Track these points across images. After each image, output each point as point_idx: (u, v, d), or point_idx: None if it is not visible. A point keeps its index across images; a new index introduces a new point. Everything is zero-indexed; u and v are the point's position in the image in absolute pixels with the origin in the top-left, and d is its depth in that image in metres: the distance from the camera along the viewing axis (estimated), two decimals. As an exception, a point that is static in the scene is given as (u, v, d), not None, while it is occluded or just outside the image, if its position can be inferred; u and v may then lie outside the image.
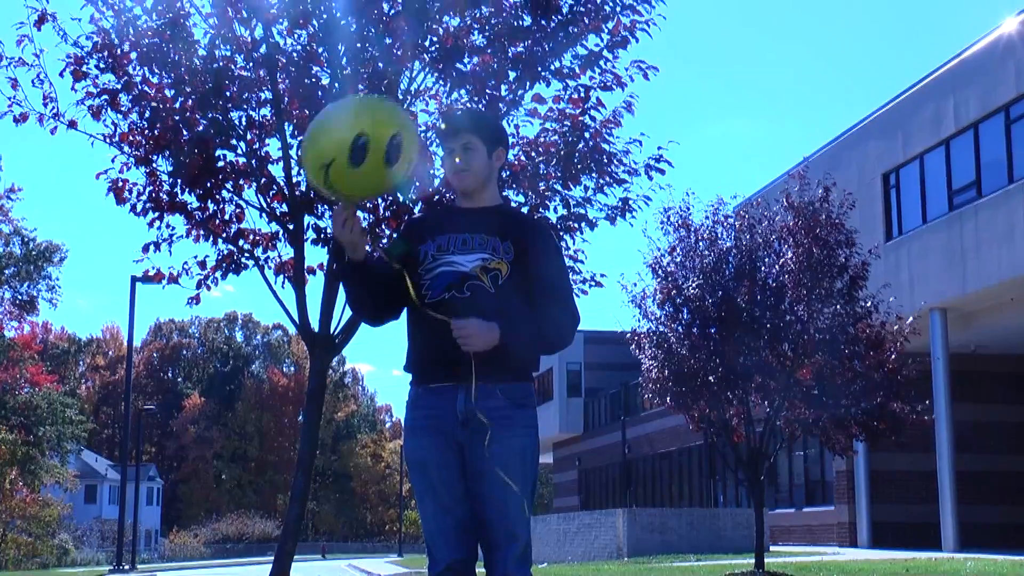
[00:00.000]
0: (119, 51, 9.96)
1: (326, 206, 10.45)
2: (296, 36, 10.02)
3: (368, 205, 10.58)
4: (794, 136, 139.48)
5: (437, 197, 10.23)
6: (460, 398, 3.96)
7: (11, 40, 9.85)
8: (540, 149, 10.44)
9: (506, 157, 4.30)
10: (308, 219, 10.50)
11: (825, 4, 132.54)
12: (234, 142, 10.27)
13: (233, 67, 10.04)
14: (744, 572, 15.20)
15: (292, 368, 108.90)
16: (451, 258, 4.05)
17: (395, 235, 10.66)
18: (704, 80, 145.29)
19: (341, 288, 10.46)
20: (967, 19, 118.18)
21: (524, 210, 10.54)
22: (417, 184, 10.21)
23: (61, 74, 9.94)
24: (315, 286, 10.66)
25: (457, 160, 4.13)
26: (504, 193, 10.42)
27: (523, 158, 10.47)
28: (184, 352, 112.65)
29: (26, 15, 9.71)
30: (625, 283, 15.87)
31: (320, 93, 9.97)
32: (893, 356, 15.00)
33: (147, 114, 10.03)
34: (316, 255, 10.74)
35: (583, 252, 10.76)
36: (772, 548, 24.38)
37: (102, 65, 9.98)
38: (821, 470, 30.29)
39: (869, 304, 15.20)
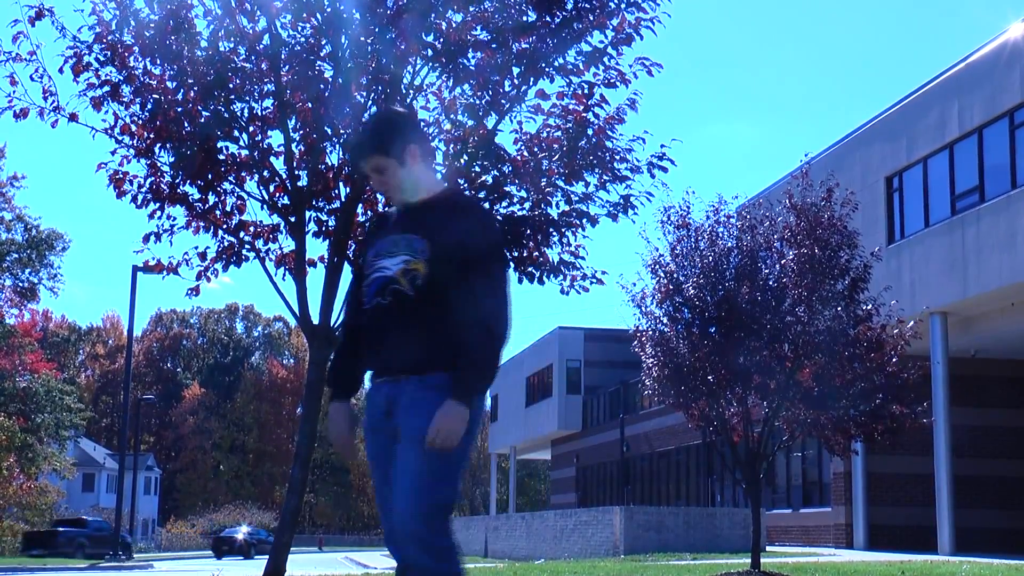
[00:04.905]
0: (120, 43, 9.95)
1: (324, 201, 10.42)
2: (299, 29, 10.02)
3: (365, 197, 10.58)
4: (796, 141, 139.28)
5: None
6: (384, 391, 4.07)
7: (8, 37, 9.85)
8: (543, 145, 10.44)
9: (424, 144, 4.21)
10: (309, 212, 10.50)
11: (829, 8, 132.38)
12: (236, 134, 10.26)
13: (236, 59, 10.03)
14: (740, 572, 15.19)
15: (292, 360, 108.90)
16: (382, 263, 4.09)
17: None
18: (706, 82, 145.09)
19: (342, 281, 10.47)
20: (973, 24, 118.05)
21: (523, 205, 10.51)
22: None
23: (60, 70, 9.93)
24: (316, 278, 10.67)
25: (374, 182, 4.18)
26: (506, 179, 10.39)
27: (526, 153, 10.47)
28: (184, 342, 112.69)
29: (21, 13, 9.71)
30: (624, 283, 15.85)
31: (323, 86, 9.96)
32: (893, 359, 14.98)
33: (149, 106, 10.02)
34: (317, 248, 10.73)
35: (584, 248, 10.76)
36: (768, 548, 24.38)
37: (102, 58, 9.97)
38: (819, 471, 30.29)
39: (870, 307, 15.18)
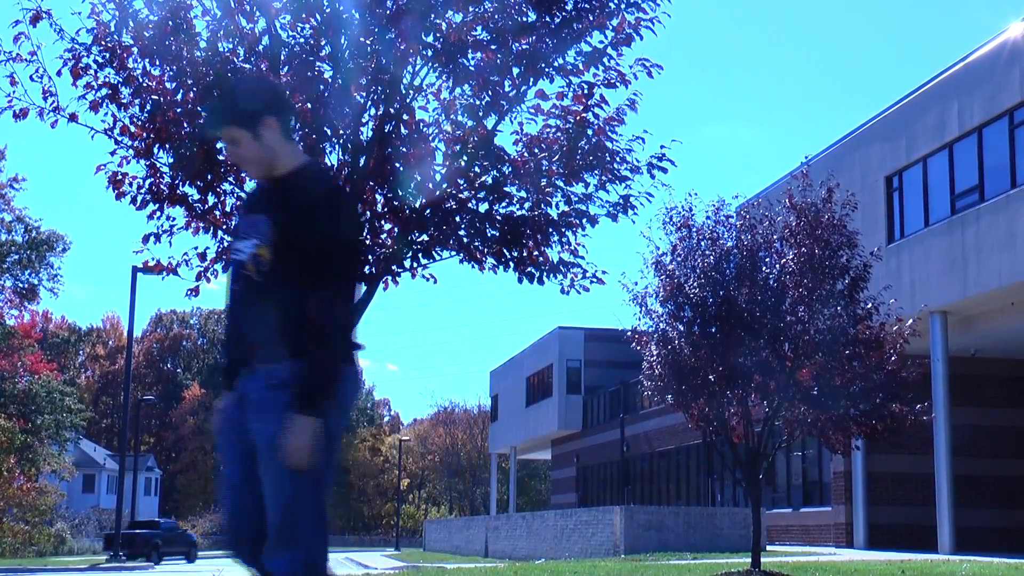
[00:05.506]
0: (119, 44, 9.95)
1: None
2: (299, 30, 10.02)
3: (364, 198, 10.58)
4: (795, 142, 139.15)
5: (438, 193, 10.22)
6: (240, 381, 3.95)
7: (8, 37, 9.85)
8: (543, 145, 10.44)
9: (284, 117, 4.01)
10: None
11: (829, 8, 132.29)
12: (236, 134, 10.25)
13: (235, 60, 10.03)
14: (740, 571, 15.18)
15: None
16: (238, 245, 3.95)
17: (395, 231, 10.67)
18: (704, 83, 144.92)
19: None
20: (972, 24, 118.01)
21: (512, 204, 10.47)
22: (419, 178, 10.22)
23: (59, 72, 9.93)
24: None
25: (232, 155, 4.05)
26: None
27: (525, 154, 10.47)
28: (184, 343, 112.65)
29: (22, 14, 9.71)
30: (626, 282, 15.86)
31: (322, 87, 9.96)
32: (893, 358, 14.99)
33: (148, 107, 10.02)
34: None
35: (584, 248, 10.76)
36: (769, 548, 24.37)
37: (100, 59, 9.97)
38: (819, 471, 30.29)
39: (869, 306, 15.19)
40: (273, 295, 3.79)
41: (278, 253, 3.79)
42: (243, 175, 10.50)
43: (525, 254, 10.56)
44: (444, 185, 10.29)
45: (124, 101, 10.10)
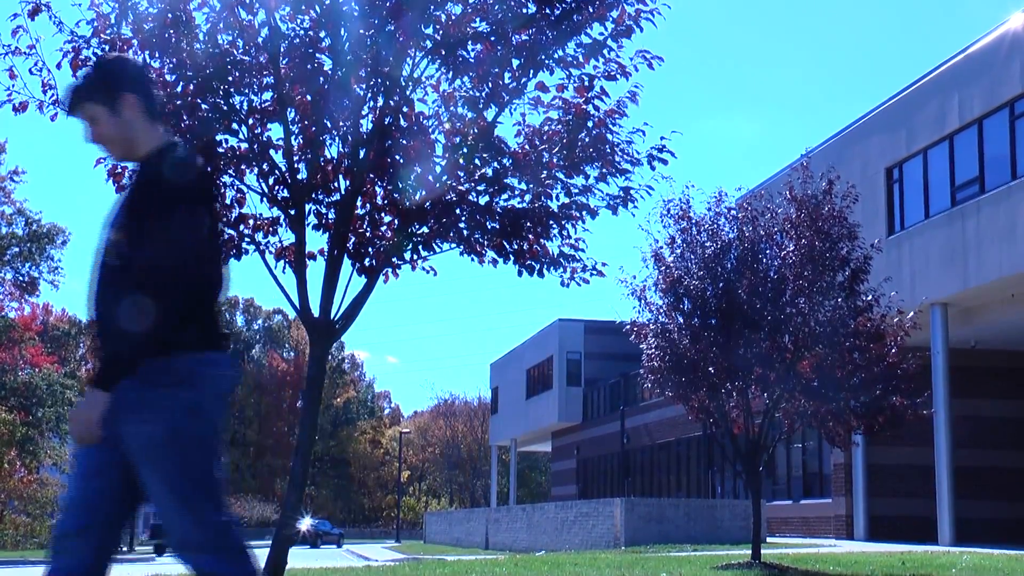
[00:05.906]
0: (119, 37, 9.93)
1: (323, 195, 10.45)
2: (299, 22, 10.01)
3: (365, 190, 10.58)
4: (795, 136, 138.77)
5: (438, 186, 10.22)
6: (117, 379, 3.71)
7: (7, 31, 9.83)
8: (543, 137, 10.44)
9: (145, 96, 3.85)
10: (309, 205, 10.50)
11: (828, 1, 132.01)
12: (236, 127, 10.25)
13: (235, 52, 10.01)
14: (741, 563, 15.20)
15: (292, 353, 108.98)
16: (107, 233, 3.79)
17: (395, 223, 10.68)
18: (703, 76, 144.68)
19: (341, 275, 10.47)
20: (973, 15, 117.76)
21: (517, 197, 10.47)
22: (419, 170, 10.21)
23: (59, 65, 9.91)
24: (316, 271, 10.66)
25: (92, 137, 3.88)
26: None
27: (526, 146, 10.47)
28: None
29: (20, 7, 9.69)
30: (624, 277, 15.87)
31: (322, 78, 9.95)
32: (893, 350, 15.01)
33: (148, 99, 9.99)
34: (317, 241, 10.73)
35: (584, 241, 10.76)
36: (769, 540, 24.41)
37: (100, 52, 9.94)
38: (819, 463, 30.31)
39: (870, 298, 15.20)
40: (126, 282, 3.60)
41: (131, 236, 3.65)
42: (243, 168, 10.50)
43: (525, 247, 10.57)
44: (444, 177, 10.29)
45: (124, 94, 10.07)
